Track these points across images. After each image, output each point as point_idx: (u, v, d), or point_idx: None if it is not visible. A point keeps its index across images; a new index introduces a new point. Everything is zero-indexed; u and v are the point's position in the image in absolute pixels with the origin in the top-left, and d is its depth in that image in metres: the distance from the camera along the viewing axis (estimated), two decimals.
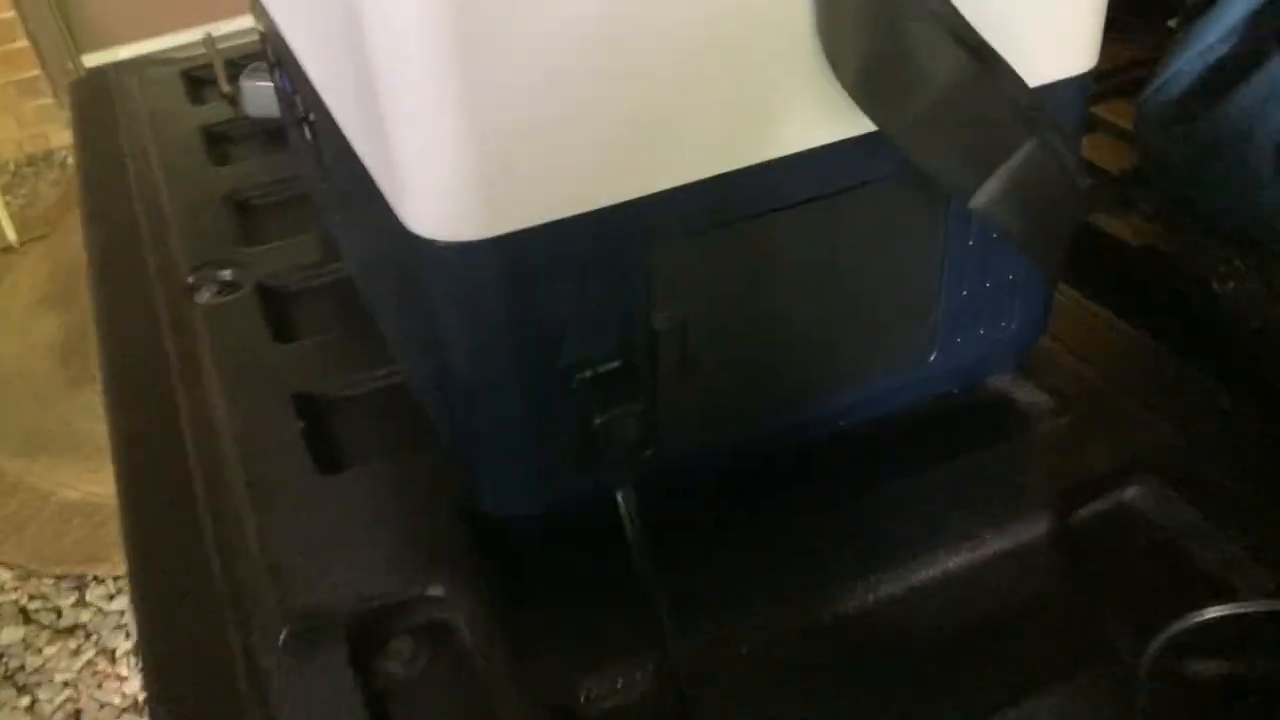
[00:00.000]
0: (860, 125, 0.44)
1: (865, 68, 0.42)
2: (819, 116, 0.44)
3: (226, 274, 0.71)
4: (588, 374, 0.45)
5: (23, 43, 2.68)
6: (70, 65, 2.76)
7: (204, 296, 0.70)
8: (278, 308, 0.69)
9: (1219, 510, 0.49)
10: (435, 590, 0.49)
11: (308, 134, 0.62)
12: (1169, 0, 0.78)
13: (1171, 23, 0.77)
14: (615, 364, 0.45)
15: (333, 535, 0.52)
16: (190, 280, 0.71)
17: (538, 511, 0.49)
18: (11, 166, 2.77)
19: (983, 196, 0.45)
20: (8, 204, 2.56)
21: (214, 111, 0.92)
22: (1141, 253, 0.69)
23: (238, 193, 0.80)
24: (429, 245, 0.42)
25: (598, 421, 0.45)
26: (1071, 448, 0.54)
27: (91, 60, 2.80)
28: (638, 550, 0.44)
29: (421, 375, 0.51)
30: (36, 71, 2.72)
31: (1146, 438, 0.54)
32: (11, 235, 2.51)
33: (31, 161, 2.78)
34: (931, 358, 0.54)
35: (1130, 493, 0.52)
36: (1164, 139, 0.70)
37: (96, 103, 0.96)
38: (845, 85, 0.43)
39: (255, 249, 0.74)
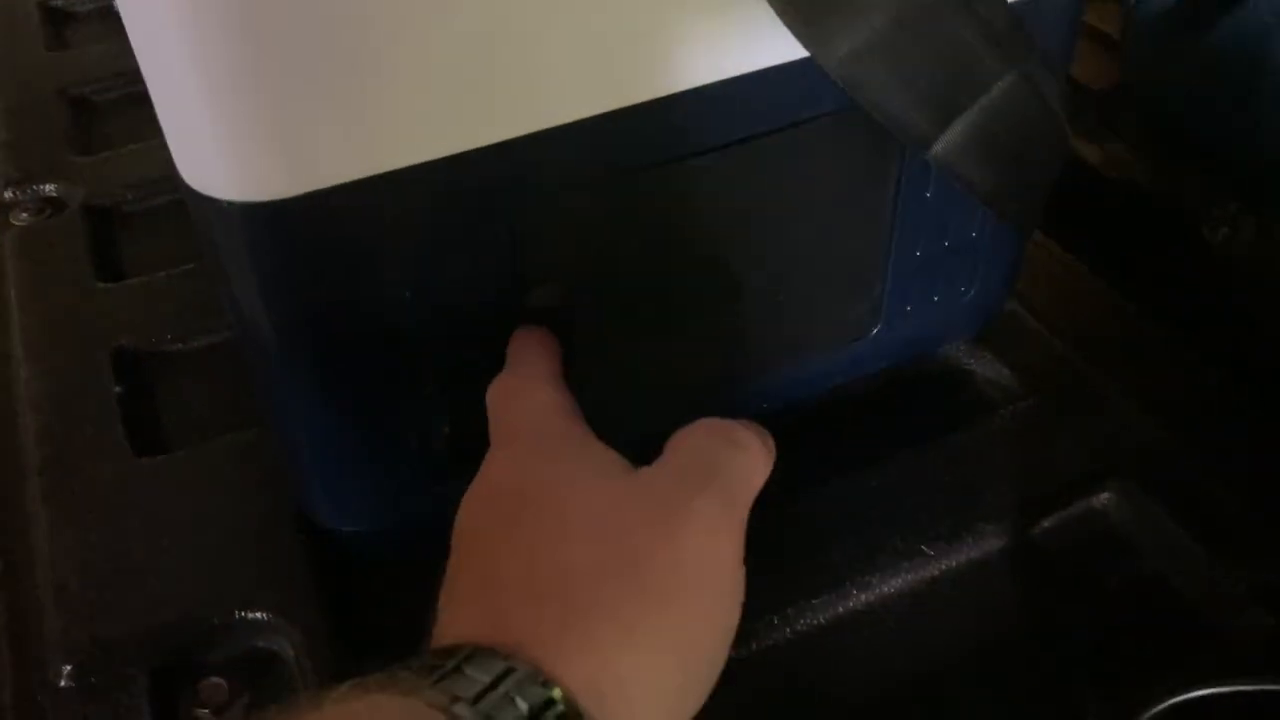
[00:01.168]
0: (787, 51, 0.34)
1: None
2: (735, 40, 0.34)
3: (50, 189, 0.60)
4: (436, 368, 0.35)
5: None
6: None
7: (20, 217, 0.59)
8: (107, 234, 0.58)
9: (1210, 528, 0.41)
10: (260, 613, 0.40)
11: None
12: None
13: None
14: (473, 355, 0.35)
15: (140, 540, 0.42)
16: (6, 195, 0.60)
17: (382, 527, 0.40)
18: None
19: (943, 144, 0.35)
20: None
21: None
22: (1119, 188, 0.60)
23: (75, 86, 0.68)
24: (210, 204, 0.31)
25: (447, 428, 0.36)
26: (1035, 440, 0.45)
27: None
28: None
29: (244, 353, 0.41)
30: None
31: (1124, 430, 0.45)
32: None
33: None
34: (875, 330, 0.44)
35: (1103, 500, 0.43)
36: (1157, 53, 0.60)
37: None
38: (770, 1, 0.32)
39: (88, 158, 0.62)
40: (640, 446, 0.32)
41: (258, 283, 0.33)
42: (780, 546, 0.41)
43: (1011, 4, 0.35)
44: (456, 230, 0.33)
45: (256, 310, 0.34)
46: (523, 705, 0.24)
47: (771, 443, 0.34)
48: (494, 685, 0.25)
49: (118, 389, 0.49)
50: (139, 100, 0.65)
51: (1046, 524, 0.43)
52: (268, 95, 0.28)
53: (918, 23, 0.33)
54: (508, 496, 0.31)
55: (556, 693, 0.25)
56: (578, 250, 0.36)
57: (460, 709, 0.24)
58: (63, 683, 0.38)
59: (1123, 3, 0.61)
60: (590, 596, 0.27)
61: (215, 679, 0.40)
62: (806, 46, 0.32)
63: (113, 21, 0.74)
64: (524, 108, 0.32)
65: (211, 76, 0.28)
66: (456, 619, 0.28)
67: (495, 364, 0.35)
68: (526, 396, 0.34)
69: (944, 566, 0.41)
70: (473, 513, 0.31)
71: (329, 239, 0.32)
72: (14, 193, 0.60)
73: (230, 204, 0.31)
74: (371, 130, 0.30)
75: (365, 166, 0.30)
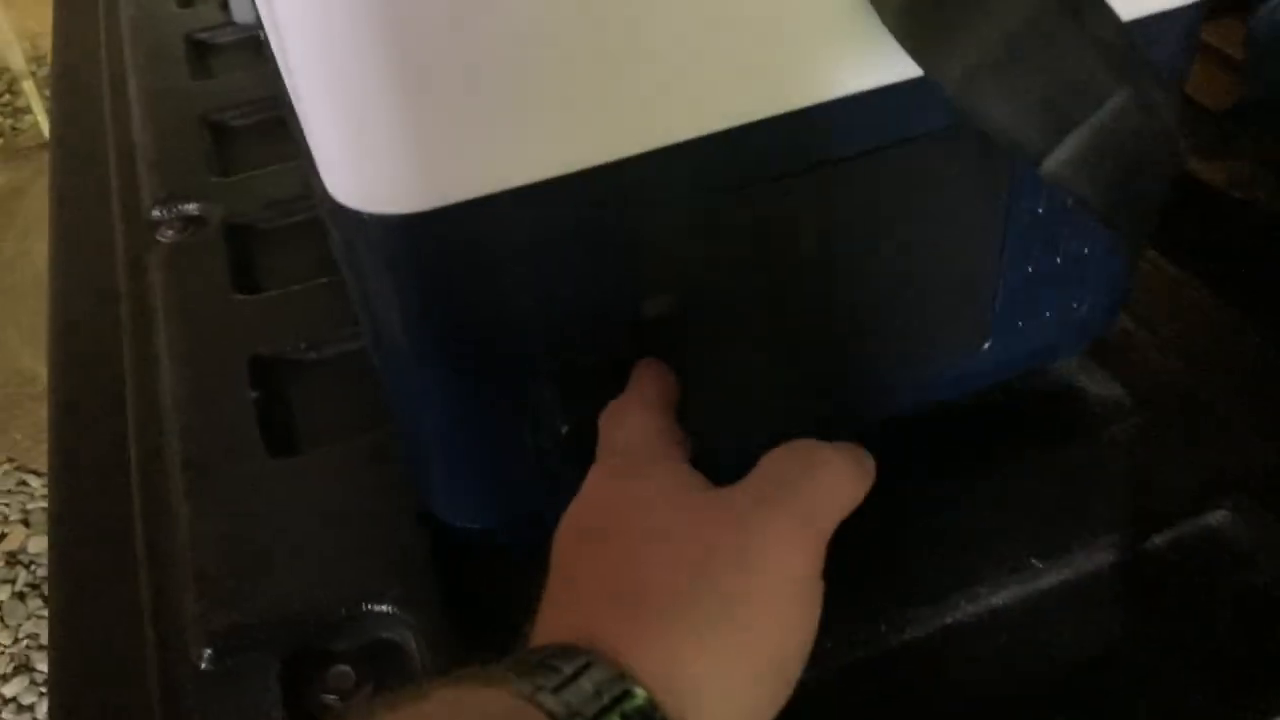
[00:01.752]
0: (903, 70, 0.35)
1: (911, 1, 0.32)
2: (851, 59, 0.35)
3: (193, 208, 0.64)
4: (554, 371, 0.37)
5: None
6: None
7: (166, 234, 0.62)
8: (245, 250, 0.61)
9: None
10: (385, 606, 0.42)
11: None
12: None
13: None
14: (589, 359, 0.37)
15: (273, 535, 0.45)
16: (154, 215, 0.64)
17: (498, 525, 0.41)
18: (49, 57, 2.70)
19: (1055, 160, 0.35)
20: (46, 97, 2.50)
21: (202, 16, 0.83)
22: (1241, 207, 0.59)
23: (215, 112, 0.72)
24: (355, 216, 0.33)
25: (564, 428, 0.38)
26: (1147, 457, 0.45)
27: None
28: None
29: (372, 354, 0.44)
30: None
31: (1239, 448, 0.45)
32: (48, 131, 2.45)
33: None
34: (986, 345, 0.45)
35: (1218, 517, 0.43)
36: (1276, 71, 0.59)
37: (79, 3, 0.87)
38: (885, 21, 0.33)
39: (228, 179, 0.66)
40: (748, 458, 0.34)
41: (392, 290, 0.35)
42: (890, 555, 0.41)
43: (1127, 21, 0.35)
44: (578, 241, 0.35)
45: (391, 317, 0.36)
46: (604, 696, 0.26)
47: (870, 464, 0.35)
48: (575, 677, 0.26)
49: (254, 394, 0.51)
50: (273, 125, 0.70)
51: (1159, 540, 0.42)
52: (409, 117, 0.30)
53: (1030, 42, 0.33)
54: (598, 511, 0.33)
55: (634, 686, 0.27)
56: (692, 262, 0.38)
57: (543, 697, 0.26)
58: (203, 665, 0.41)
59: (1249, 20, 0.61)
60: (666, 602, 0.29)
61: (342, 667, 0.42)
62: (921, 66, 0.33)
63: (249, 53, 0.79)
64: (647, 125, 0.33)
65: (358, 101, 0.30)
66: (547, 622, 0.30)
67: (610, 370, 0.37)
68: (633, 419, 0.36)
69: (1054, 580, 0.42)
70: (568, 525, 0.33)
71: (459, 249, 0.34)
72: (161, 211, 0.64)
73: (371, 216, 0.33)
74: (502, 149, 0.32)
75: (495, 183, 0.32)
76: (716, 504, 0.32)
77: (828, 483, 0.33)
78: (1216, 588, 0.41)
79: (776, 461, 0.34)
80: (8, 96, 2.57)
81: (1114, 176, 0.37)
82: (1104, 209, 0.38)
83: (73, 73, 0.79)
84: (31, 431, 1.85)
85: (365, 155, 0.32)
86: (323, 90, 0.31)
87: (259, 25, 0.64)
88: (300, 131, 0.36)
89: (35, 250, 2.19)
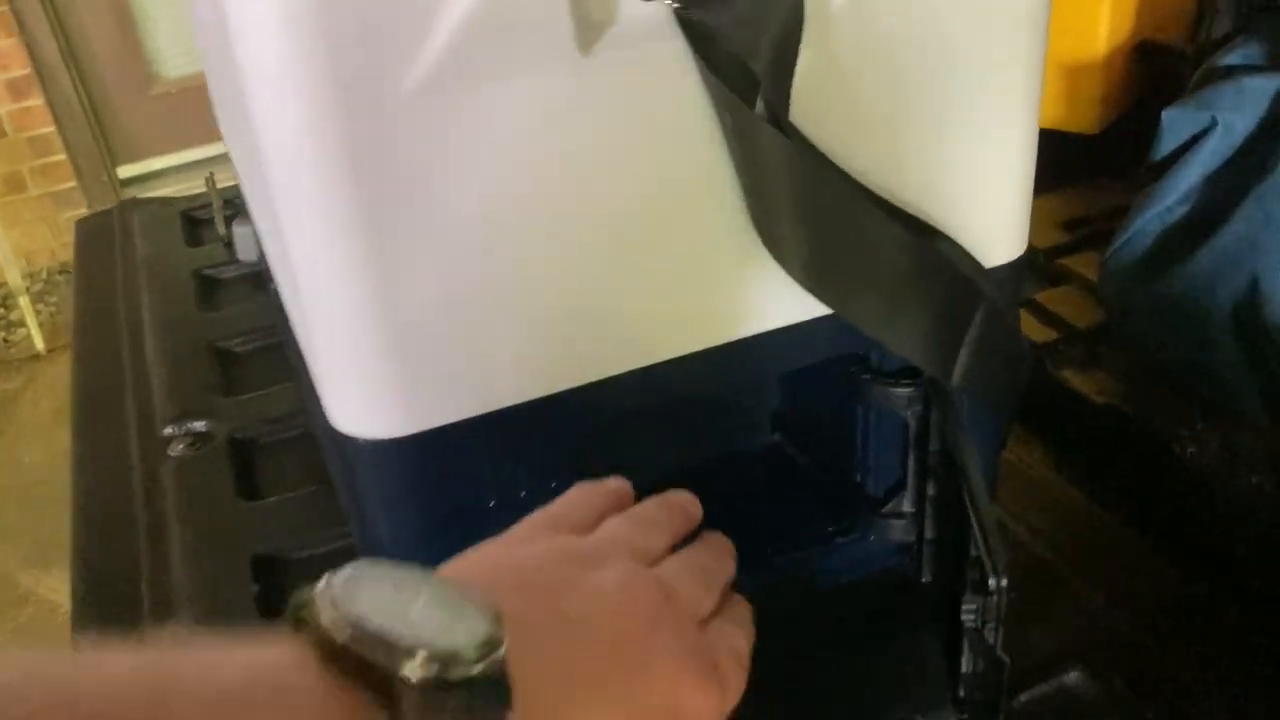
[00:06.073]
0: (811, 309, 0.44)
1: (810, 258, 0.42)
2: (767, 303, 0.45)
3: (201, 425, 0.73)
4: None
5: (60, 156, 2.77)
6: (105, 177, 2.84)
7: (177, 449, 0.71)
8: (247, 461, 0.70)
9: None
10: None
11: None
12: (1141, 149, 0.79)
13: None
14: None
15: None
16: (166, 432, 0.73)
17: None
18: (44, 274, 2.84)
19: (959, 373, 0.45)
20: (39, 312, 2.62)
21: (209, 254, 0.94)
22: (1104, 411, 0.69)
23: (221, 339, 0.82)
24: (351, 442, 0.42)
25: None
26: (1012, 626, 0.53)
27: (127, 171, 2.89)
28: None
29: (359, 549, 0.52)
30: (73, 183, 2.80)
31: (1092, 619, 0.53)
32: (39, 344, 2.56)
33: (64, 269, 2.85)
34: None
35: (1072, 678, 0.51)
36: (1127, 298, 0.70)
37: (97, 242, 0.99)
38: (793, 275, 0.43)
39: (231, 399, 0.75)
40: None
41: (377, 493, 0.44)
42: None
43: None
44: (534, 449, 0.44)
45: (378, 518, 0.44)
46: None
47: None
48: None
49: (255, 588, 0.59)
50: (272, 350, 0.80)
51: (1024, 697, 0.50)
52: (399, 363, 0.40)
53: (912, 273, 0.43)
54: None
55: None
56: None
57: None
58: None
59: (1103, 255, 0.72)
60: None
61: None
62: (829, 305, 0.43)
63: (250, 286, 0.89)
64: (599, 361, 0.43)
65: (357, 352, 0.40)
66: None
67: None
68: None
69: None
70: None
71: (436, 463, 0.43)
72: (172, 429, 0.73)
73: (365, 440, 0.42)
74: (474, 385, 0.41)
75: (465, 411, 0.42)
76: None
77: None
78: None
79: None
80: (2, 310, 2.69)
81: (995, 375, 0.47)
82: (994, 401, 0.48)
83: (93, 305, 0.89)
84: (12, 636, 1.88)
85: (361, 394, 0.41)
86: (330, 344, 0.41)
87: (261, 263, 0.75)
88: (301, 363, 0.46)
89: (24, 459, 2.26)
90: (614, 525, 0.38)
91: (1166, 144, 0.70)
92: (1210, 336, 0.65)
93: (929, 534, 0.50)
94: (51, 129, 2.74)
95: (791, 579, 0.53)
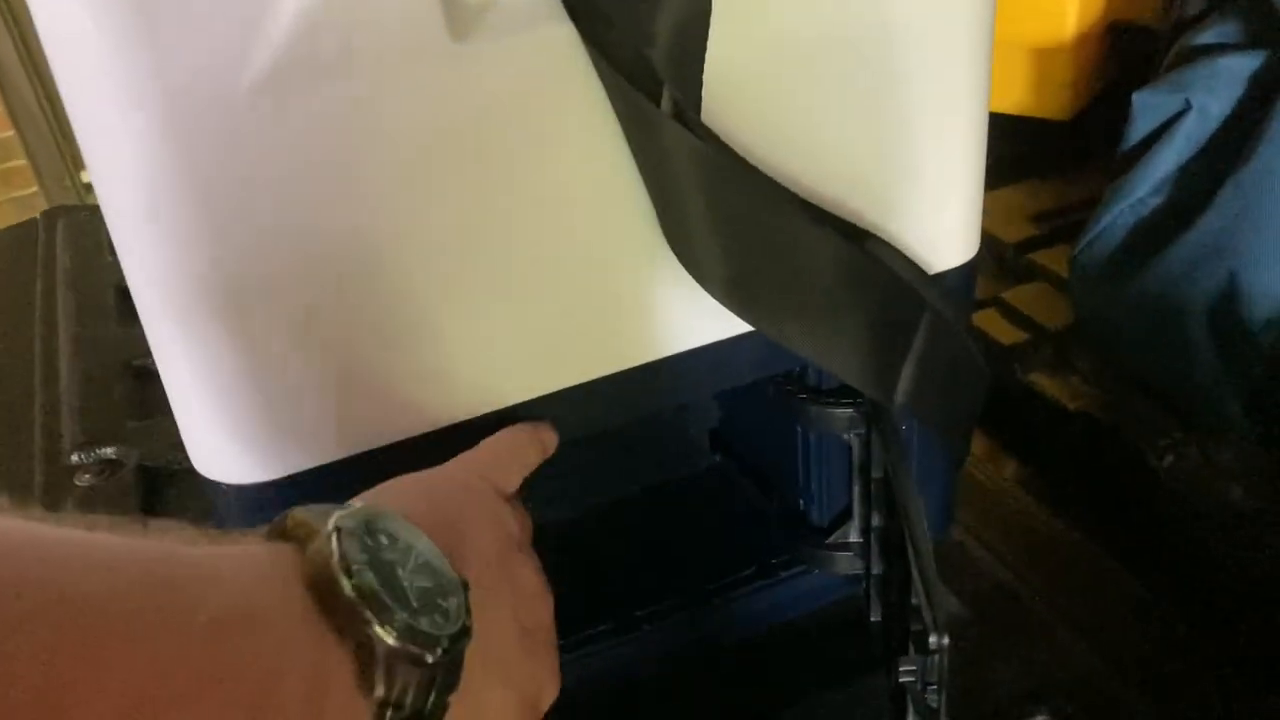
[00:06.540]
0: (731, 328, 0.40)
1: (729, 272, 0.37)
2: (684, 319, 0.40)
3: (110, 452, 0.68)
4: None
5: (21, 161, 2.71)
6: (69, 182, 2.78)
7: (84, 478, 0.66)
8: (155, 490, 0.65)
9: None
10: None
11: None
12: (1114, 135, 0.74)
13: None
14: None
15: None
16: (73, 459, 0.68)
17: None
18: None
19: (900, 394, 0.40)
20: None
21: None
22: (1076, 418, 0.64)
23: (140, 357, 0.77)
24: (215, 486, 0.38)
25: None
26: (978, 665, 0.48)
27: (90, 176, 2.83)
28: None
29: None
30: (34, 189, 2.74)
31: (1058, 656, 0.48)
32: None
33: None
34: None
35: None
36: (1097, 299, 0.66)
37: (19, 253, 0.93)
38: (714, 293, 0.38)
39: (143, 422, 0.70)
40: None
41: None
42: None
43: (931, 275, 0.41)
44: None
45: None
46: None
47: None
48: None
49: None
50: None
51: None
52: (261, 411, 0.35)
53: (844, 294, 0.38)
54: None
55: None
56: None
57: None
58: None
59: (1073, 249, 0.68)
60: None
61: None
62: (753, 324, 0.38)
63: None
64: (490, 392, 0.38)
65: (215, 397, 0.35)
66: None
67: None
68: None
69: None
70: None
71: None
72: (79, 456, 0.68)
73: (228, 485, 0.37)
74: (347, 426, 0.36)
75: (338, 453, 0.37)
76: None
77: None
78: None
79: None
80: None
81: (945, 393, 0.42)
82: (943, 423, 0.43)
83: (7, 322, 0.84)
84: None
85: (221, 441, 0.36)
86: (181, 392, 0.36)
87: None
88: None
89: None
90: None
91: (1139, 129, 0.65)
92: (1187, 339, 0.60)
93: (875, 569, 0.45)
94: (11, 133, 2.68)
95: (730, 616, 0.48)
